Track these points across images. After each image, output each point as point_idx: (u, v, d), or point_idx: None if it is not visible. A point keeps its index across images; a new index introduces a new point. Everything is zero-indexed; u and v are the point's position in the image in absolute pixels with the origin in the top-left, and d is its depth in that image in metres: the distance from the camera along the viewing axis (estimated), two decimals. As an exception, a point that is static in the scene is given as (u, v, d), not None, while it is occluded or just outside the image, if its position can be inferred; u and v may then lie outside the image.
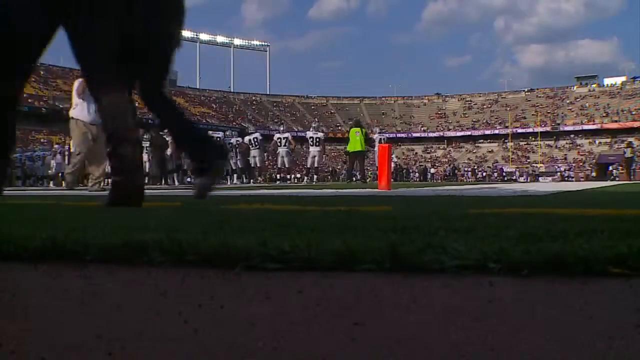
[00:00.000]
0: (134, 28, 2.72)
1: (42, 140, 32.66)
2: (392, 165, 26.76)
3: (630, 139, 33.72)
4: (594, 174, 43.43)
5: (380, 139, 17.93)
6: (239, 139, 16.09)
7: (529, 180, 39.30)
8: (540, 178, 40.53)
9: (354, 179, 16.64)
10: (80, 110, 7.23)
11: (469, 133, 68.92)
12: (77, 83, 7.27)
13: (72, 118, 7.37)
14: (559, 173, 43.61)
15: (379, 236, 1.26)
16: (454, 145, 68.91)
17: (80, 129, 7.26)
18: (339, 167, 31.47)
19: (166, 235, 1.20)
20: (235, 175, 15.88)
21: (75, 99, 7.31)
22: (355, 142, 13.95)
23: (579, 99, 69.85)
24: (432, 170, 44.89)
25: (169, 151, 14.93)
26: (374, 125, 59.72)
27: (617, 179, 33.68)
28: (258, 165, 15.81)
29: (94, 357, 0.59)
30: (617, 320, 0.71)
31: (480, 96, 78.54)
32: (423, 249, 1.06)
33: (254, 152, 15.56)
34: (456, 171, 41.73)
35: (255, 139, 15.57)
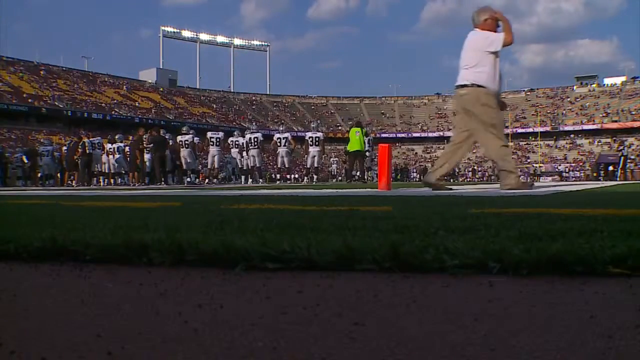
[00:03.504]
0: None
1: (41, 140, 32.62)
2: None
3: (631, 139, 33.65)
4: (594, 173, 43.42)
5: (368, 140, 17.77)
6: (239, 138, 16.06)
7: (529, 179, 39.26)
8: (540, 178, 40.53)
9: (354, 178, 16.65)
10: (489, 74, 4.69)
11: (469, 133, 68.84)
12: (488, 34, 4.73)
13: (476, 85, 4.69)
14: (563, 172, 43.54)
15: (379, 236, 1.26)
16: (454, 145, 68.87)
17: (493, 100, 4.73)
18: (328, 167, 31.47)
19: (166, 235, 1.20)
20: (243, 176, 15.85)
21: (478, 55, 4.71)
22: (355, 142, 13.93)
23: (579, 99, 69.82)
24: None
25: (169, 151, 14.90)
26: (373, 126, 59.66)
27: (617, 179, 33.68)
28: (257, 165, 15.76)
29: (94, 357, 0.59)
30: (617, 320, 0.70)
31: (480, 96, 78.47)
32: (423, 248, 1.06)
33: (252, 152, 15.51)
34: (456, 171, 41.71)
35: (255, 139, 15.52)
